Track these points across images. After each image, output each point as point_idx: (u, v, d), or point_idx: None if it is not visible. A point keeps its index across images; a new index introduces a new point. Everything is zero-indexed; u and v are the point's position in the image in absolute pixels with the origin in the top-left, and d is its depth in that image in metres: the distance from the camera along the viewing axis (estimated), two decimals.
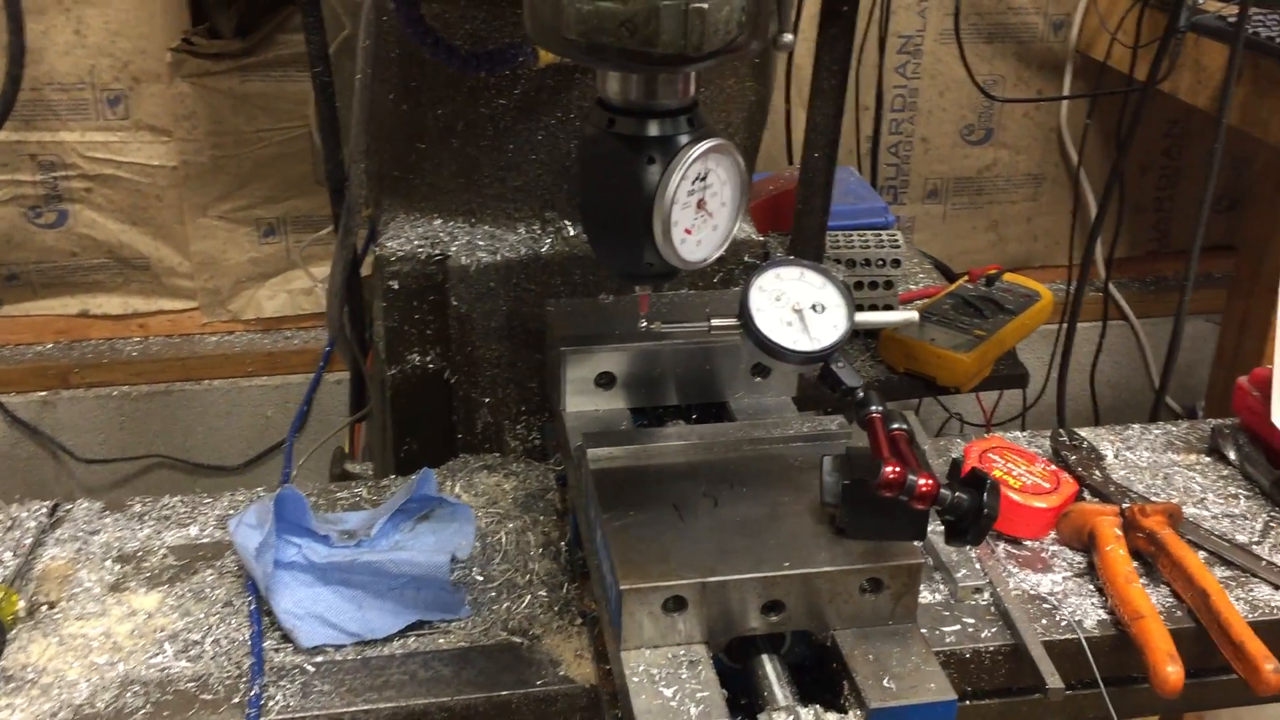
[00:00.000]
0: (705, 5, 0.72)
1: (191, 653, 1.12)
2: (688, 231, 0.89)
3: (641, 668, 0.95)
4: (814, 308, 0.99)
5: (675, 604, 0.96)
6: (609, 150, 0.88)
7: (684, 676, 0.95)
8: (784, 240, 1.82)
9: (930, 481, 0.90)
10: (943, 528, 0.95)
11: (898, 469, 0.89)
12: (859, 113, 2.67)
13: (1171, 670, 1.10)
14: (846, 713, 0.95)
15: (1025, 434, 1.49)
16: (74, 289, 2.56)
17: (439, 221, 1.49)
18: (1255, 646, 1.12)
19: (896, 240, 1.94)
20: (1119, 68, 2.54)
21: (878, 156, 2.70)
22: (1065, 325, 2.37)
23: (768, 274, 0.99)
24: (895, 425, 0.96)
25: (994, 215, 2.91)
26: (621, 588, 0.95)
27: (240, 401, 2.64)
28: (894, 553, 0.99)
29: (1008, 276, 2.01)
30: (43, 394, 2.55)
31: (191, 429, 2.65)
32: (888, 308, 1.96)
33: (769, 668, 0.98)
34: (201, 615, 1.17)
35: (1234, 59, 1.79)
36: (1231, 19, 2.19)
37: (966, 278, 2.02)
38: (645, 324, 1.04)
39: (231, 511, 1.31)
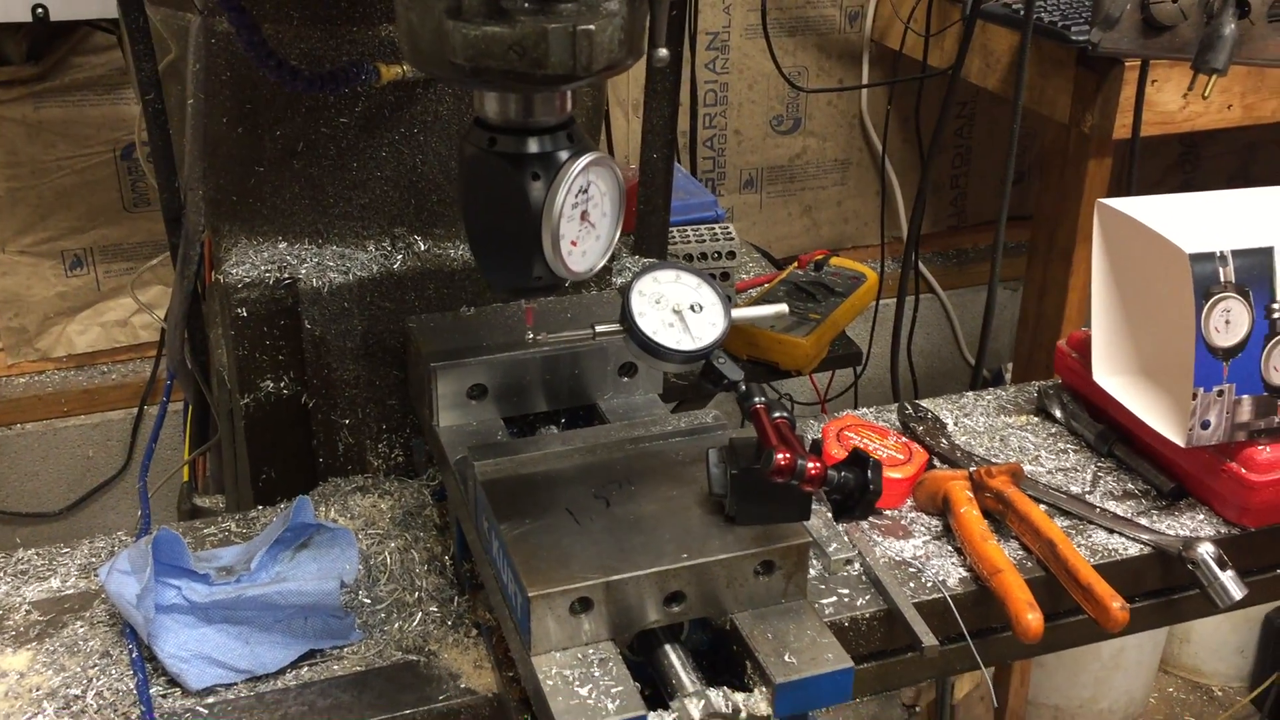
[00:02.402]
0: (592, 27, 0.74)
1: (74, 708, 1.08)
2: (573, 244, 0.91)
3: (554, 670, 0.97)
4: (693, 308, 1.03)
5: (581, 605, 0.98)
6: (492, 169, 0.89)
7: (597, 675, 0.97)
8: (626, 240, 1.86)
9: (818, 465, 0.95)
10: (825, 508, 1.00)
11: (788, 455, 0.94)
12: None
13: (1032, 617, 1.19)
14: (752, 691, 0.99)
15: (873, 410, 1.57)
16: None
17: (284, 245, 1.46)
18: (1102, 588, 1.21)
19: (730, 233, 2.01)
20: (913, 55, 2.68)
21: (695, 150, 2.77)
22: (898, 301, 2.49)
23: (646, 278, 1.02)
24: (778, 414, 1.01)
25: (807, 201, 3.03)
26: (529, 595, 0.96)
27: (57, 444, 2.51)
28: (783, 534, 1.04)
29: (834, 260, 2.11)
30: None
31: (4, 476, 2.51)
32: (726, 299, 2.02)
33: (673, 657, 1.02)
34: (79, 669, 1.12)
35: (1024, 45, 1.93)
36: (1016, 6, 2.35)
37: (796, 264, 2.11)
38: (531, 335, 1.05)
39: (94, 560, 1.26)
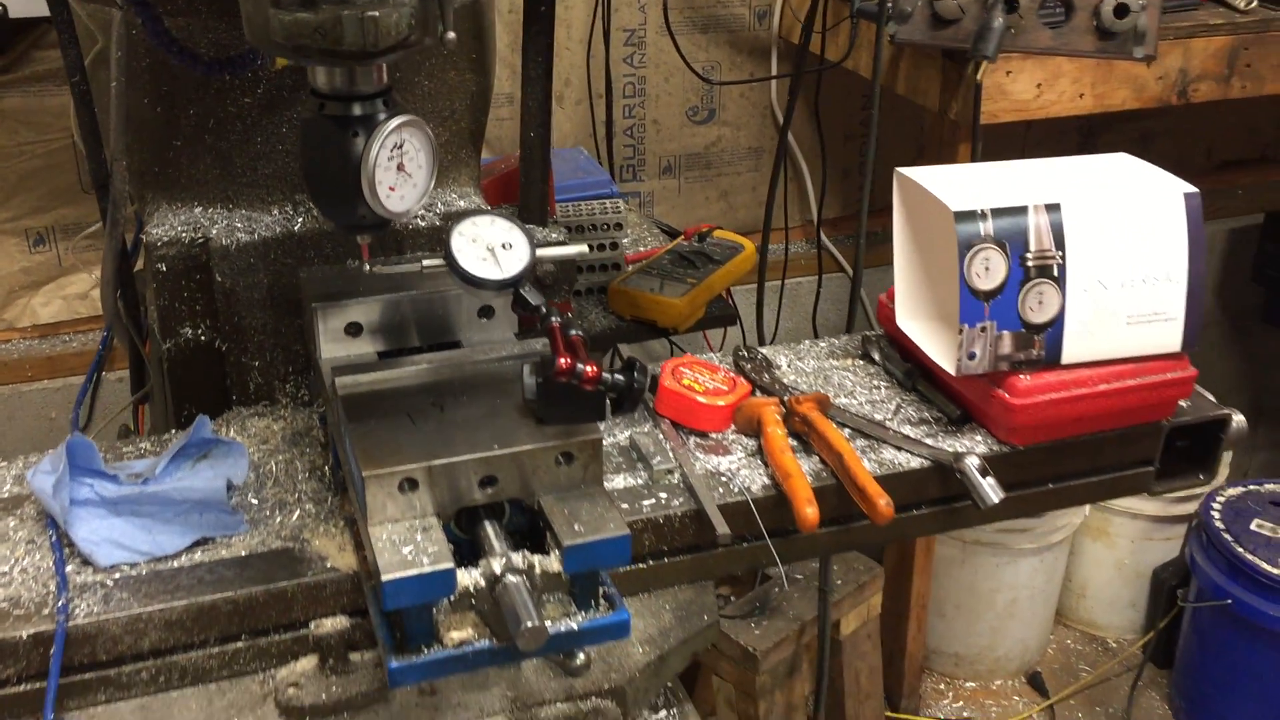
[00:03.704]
0: (377, 14, 0.97)
1: (2, 581, 1.30)
2: (391, 189, 1.15)
3: (385, 537, 1.20)
4: (503, 246, 1.26)
5: (409, 485, 1.21)
6: (322, 129, 1.12)
7: (419, 540, 1.20)
8: (514, 210, 2.09)
9: (594, 368, 1.18)
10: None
11: (568, 360, 1.17)
12: (593, 100, 2.97)
13: (810, 510, 1.42)
14: (549, 553, 1.22)
15: (717, 354, 1.80)
16: None
17: (199, 209, 1.68)
18: (873, 489, 1.44)
19: (619, 207, 2.24)
20: (813, 50, 2.91)
21: (613, 139, 3.00)
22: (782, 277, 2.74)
23: (465, 222, 1.25)
24: (573, 331, 1.24)
25: (723, 186, 3.27)
26: (364, 474, 1.19)
27: (22, 405, 2.74)
28: (581, 431, 1.26)
29: (717, 233, 2.34)
30: None
31: None
32: (615, 266, 2.26)
33: (489, 529, 1.25)
34: (7, 552, 1.35)
35: (879, 38, 2.16)
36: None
37: (684, 236, 2.34)
38: (369, 267, 1.28)
39: (26, 471, 1.49)
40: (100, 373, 1.95)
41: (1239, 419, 1.74)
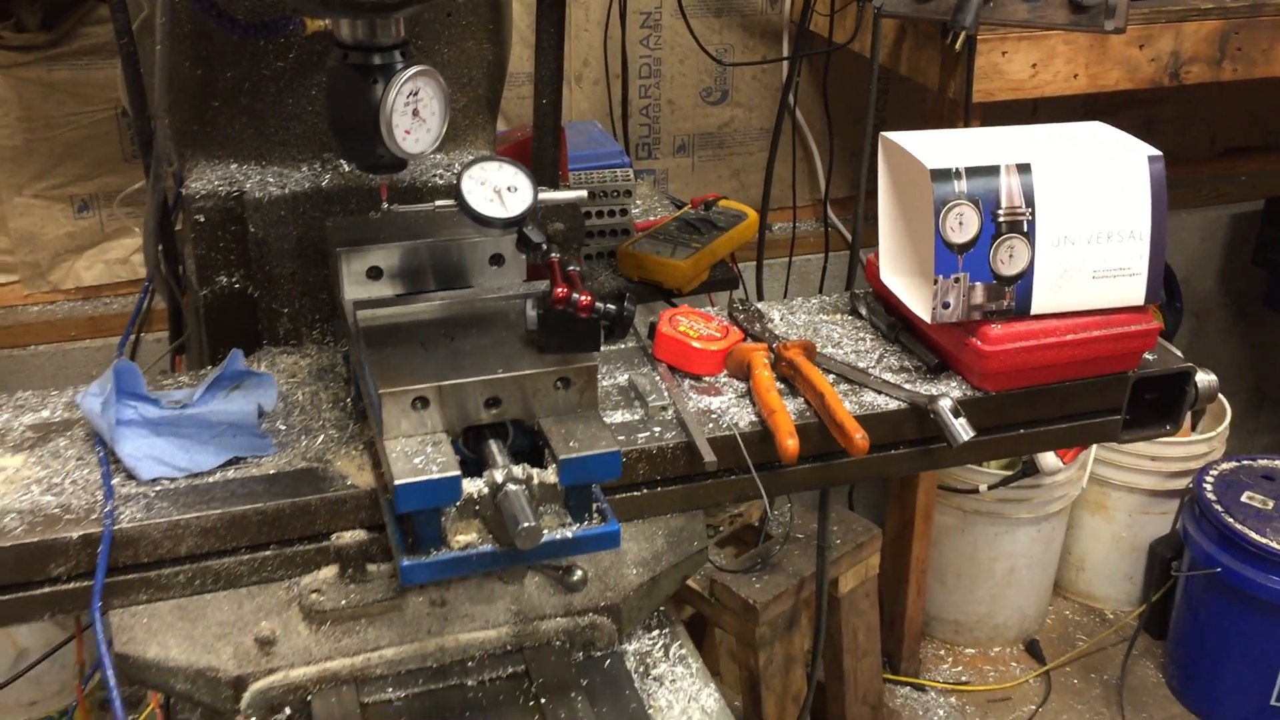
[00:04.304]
0: None
1: (54, 491, 1.44)
2: (407, 132, 1.28)
3: (399, 449, 1.33)
4: (509, 189, 1.38)
5: (421, 403, 1.34)
6: (345, 77, 1.25)
7: (429, 451, 1.33)
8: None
9: (588, 297, 1.31)
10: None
11: (564, 289, 1.30)
12: (610, 80, 3.09)
13: (790, 442, 1.54)
14: (547, 467, 1.35)
15: (714, 308, 1.92)
16: None
17: (234, 166, 1.82)
18: (851, 424, 1.56)
19: (629, 175, 2.36)
20: (821, 33, 3.03)
21: (628, 118, 3.13)
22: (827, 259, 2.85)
23: (475, 167, 1.38)
24: (571, 267, 1.36)
25: (735, 165, 3.39)
26: (380, 392, 1.32)
27: (66, 364, 2.89)
28: (578, 359, 1.39)
29: (723, 202, 2.46)
30: None
31: (21, 390, 2.88)
32: (625, 232, 2.38)
33: (493, 445, 1.37)
34: (59, 467, 1.49)
35: (877, 23, 2.27)
36: None
37: (690, 205, 2.46)
38: (387, 205, 1.41)
39: (76, 396, 1.63)
40: (145, 308, 2.09)
41: (1208, 376, 1.85)
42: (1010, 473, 3.26)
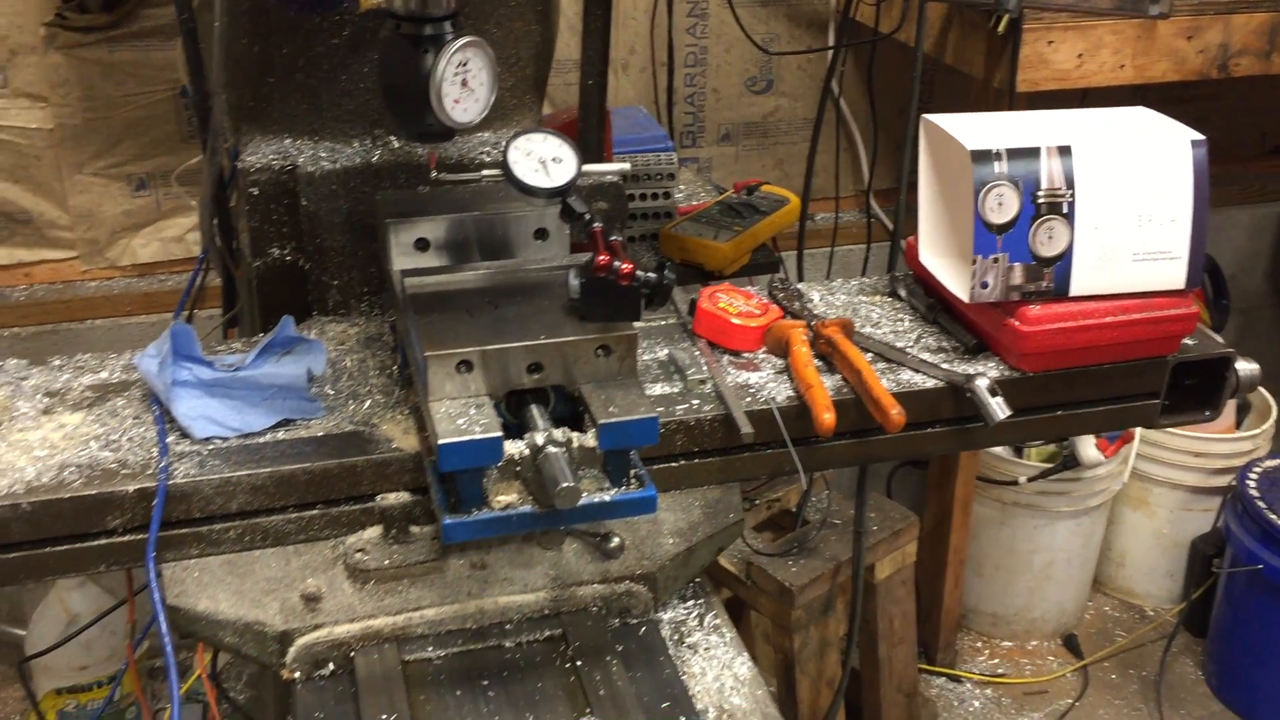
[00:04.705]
0: None
1: (112, 447, 1.49)
2: (456, 101, 1.31)
3: (443, 410, 1.37)
4: (554, 160, 1.42)
5: (465, 366, 1.38)
6: (397, 47, 1.29)
7: (473, 414, 1.36)
8: None
9: (630, 265, 1.34)
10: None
11: (606, 256, 1.33)
12: (656, 68, 3.12)
13: (827, 416, 1.56)
14: (586, 432, 1.38)
15: (754, 287, 1.95)
16: None
17: (288, 140, 1.87)
18: (887, 400, 1.58)
19: (672, 159, 2.40)
20: (866, 23, 3.04)
21: (673, 106, 3.15)
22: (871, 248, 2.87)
23: (521, 139, 1.41)
24: (613, 236, 1.40)
25: (779, 154, 3.40)
26: (426, 355, 1.36)
27: (121, 338, 2.97)
28: (619, 328, 1.42)
29: (765, 187, 2.48)
30: None
31: None
32: (667, 215, 2.41)
33: (535, 410, 1.41)
34: (116, 425, 1.54)
35: (922, 10, 2.29)
36: None
37: (733, 189, 2.49)
38: (435, 173, 1.45)
39: (132, 361, 1.68)
40: (200, 281, 2.14)
41: (1249, 364, 1.85)
42: (1050, 465, 3.25)
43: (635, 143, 2.47)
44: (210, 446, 1.51)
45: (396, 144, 1.87)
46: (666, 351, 1.74)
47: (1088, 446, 3.06)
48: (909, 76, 3.16)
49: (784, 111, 3.35)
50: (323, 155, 1.84)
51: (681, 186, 2.64)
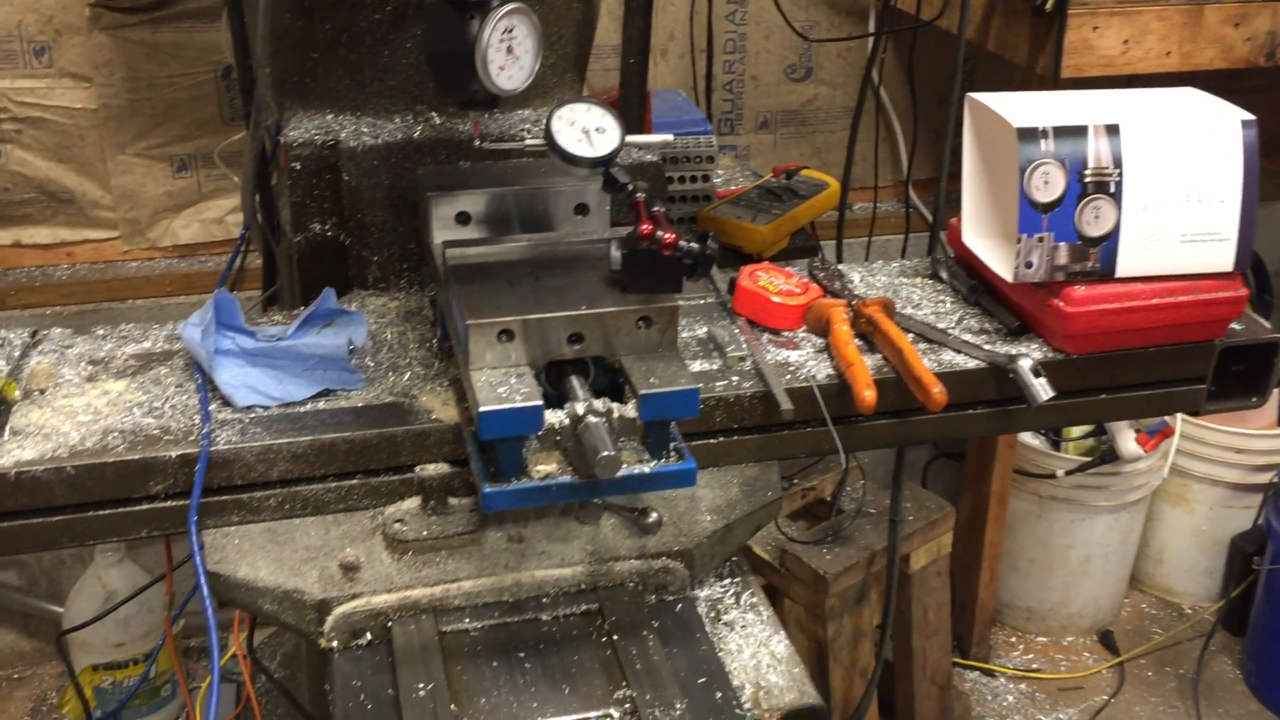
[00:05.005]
0: None
1: (155, 413, 1.51)
2: (501, 68, 1.31)
3: (484, 379, 1.37)
4: (597, 130, 1.41)
5: (506, 335, 1.38)
6: (443, 13, 1.29)
7: (513, 383, 1.36)
8: None
9: (673, 235, 1.33)
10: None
11: (649, 226, 1.32)
12: (695, 55, 3.11)
13: (868, 393, 1.55)
14: (627, 403, 1.38)
15: (795, 267, 1.94)
16: (7, 222, 2.89)
17: (331, 116, 1.87)
18: (928, 378, 1.57)
19: (711, 142, 2.39)
20: (908, 10, 3.01)
21: (712, 93, 3.14)
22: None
23: (565, 108, 1.41)
24: (656, 207, 1.39)
25: (817, 143, 3.39)
26: (467, 323, 1.36)
27: (161, 318, 2.93)
28: (660, 299, 1.42)
29: (804, 172, 2.47)
30: None
31: None
32: (706, 198, 2.40)
33: (575, 381, 1.40)
34: (159, 392, 1.55)
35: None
36: None
37: (772, 173, 2.48)
38: (478, 143, 1.45)
39: (175, 330, 1.70)
40: (242, 254, 2.15)
41: None
42: (1089, 459, 3.22)
43: (674, 125, 2.46)
44: (252, 415, 1.52)
45: (438, 120, 1.87)
46: (705, 329, 1.74)
47: (1127, 440, 3.02)
48: (949, 64, 3.13)
49: (823, 99, 3.33)
50: (364, 130, 1.84)
51: (720, 171, 2.63)
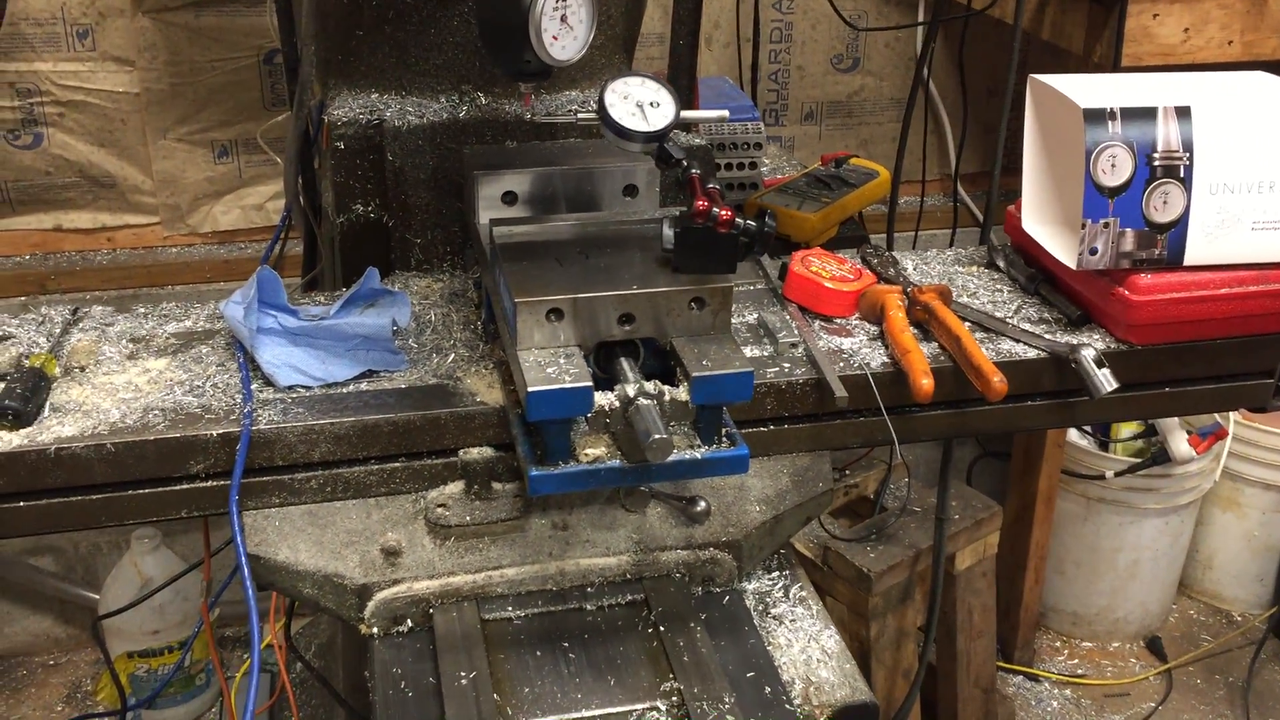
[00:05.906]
0: None
1: (196, 392, 1.48)
2: (554, 38, 1.27)
3: (532, 359, 1.33)
4: (651, 104, 1.37)
5: (555, 315, 1.34)
6: None
7: (562, 363, 1.32)
8: None
9: (729, 212, 1.29)
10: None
11: (705, 202, 1.28)
12: (740, 44, 3.07)
13: (925, 381, 1.50)
14: (678, 386, 1.34)
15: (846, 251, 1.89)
16: (48, 206, 2.88)
17: (375, 95, 1.84)
18: (988, 367, 1.52)
19: (759, 129, 2.34)
20: (960, 0, 2.95)
21: (757, 83, 3.10)
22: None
23: (618, 81, 1.37)
24: (710, 184, 1.35)
25: (864, 135, 3.33)
26: (516, 301, 1.32)
27: (201, 303, 2.97)
28: (714, 280, 1.37)
29: (854, 160, 2.42)
30: (22, 299, 2.87)
31: None
32: (753, 185, 2.36)
33: (624, 363, 1.36)
34: (200, 371, 1.52)
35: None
36: None
37: (820, 162, 2.43)
38: (530, 115, 1.41)
39: (217, 309, 1.67)
40: (284, 234, 2.13)
41: None
42: (1139, 460, 3.14)
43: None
44: (294, 395, 1.48)
45: (484, 100, 1.84)
46: (756, 316, 1.69)
47: (1179, 441, 2.94)
48: (1000, 55, 3.07)
49: (870, 90, 3.28)
50: (409, 110, 1.81)
51: (766, 160, 2.59)
